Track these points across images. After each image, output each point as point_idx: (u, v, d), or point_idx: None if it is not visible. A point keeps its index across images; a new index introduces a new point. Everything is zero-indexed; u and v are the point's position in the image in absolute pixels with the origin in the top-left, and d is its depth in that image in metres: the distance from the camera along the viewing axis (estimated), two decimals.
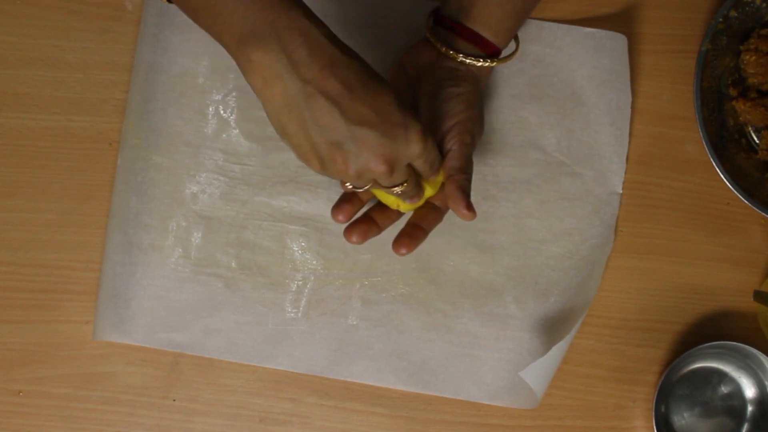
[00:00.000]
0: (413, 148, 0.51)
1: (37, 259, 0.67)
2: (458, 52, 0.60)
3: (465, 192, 0.57)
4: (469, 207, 0.56)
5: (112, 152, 0.68)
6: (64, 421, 0.66)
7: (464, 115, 0.59)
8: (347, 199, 0.59)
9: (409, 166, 0.53)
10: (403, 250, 0.58)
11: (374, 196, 0.60)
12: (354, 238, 0.58)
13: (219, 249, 0.67)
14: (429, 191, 0.59)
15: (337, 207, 0.58)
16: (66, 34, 0.68)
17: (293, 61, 0.47)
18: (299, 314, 0.67)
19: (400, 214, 0.61)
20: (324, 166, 0.50)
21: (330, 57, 0.48)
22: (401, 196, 0.56)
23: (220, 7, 0.47)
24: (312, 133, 0.49)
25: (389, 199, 0.58)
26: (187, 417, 0.67)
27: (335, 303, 0.67)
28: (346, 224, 0.58)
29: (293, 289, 0.67)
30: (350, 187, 0.54)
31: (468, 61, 0.60)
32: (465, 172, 0.58)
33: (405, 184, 0.54)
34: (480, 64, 0.60)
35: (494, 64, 0.61)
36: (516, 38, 0.64)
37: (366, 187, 0.53)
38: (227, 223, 0.67)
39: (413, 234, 0.59)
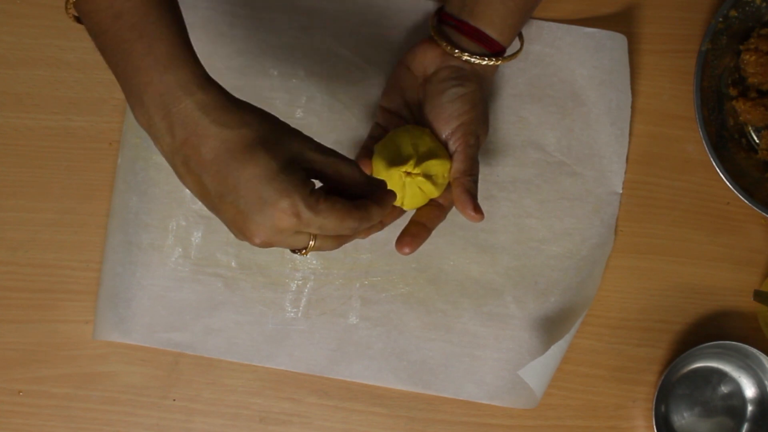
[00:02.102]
0: (284, 223, 0.46)
1: (37, 259, 0.67)
2: (463, 50, 0.60)
3: (471, 194, 0.57)
4: (477, 209, 0.57)
5: (112, 152, 0.68)
6: (64, 421, 0.66)
7: (468, 116, 0.59)
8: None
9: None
10: (407, 249, 0.58)
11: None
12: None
13: (219, 248, 0.67)
14: (434, 192, 0.59)
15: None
16: (66, 34, 0.68)
17: (171, 132, 0.46)
18: (299, 314, 0.67)
19: (402, 211, 0.61)
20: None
21: (198, 125, 0.46)
22: (330, 249, 0.52)
23: (117, 58, 0.47)
24: (197, 198, 0.48)
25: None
26: (187, 417, 0.67)
27: (335, 302, 0.67)
28: None
29: (293, 289, 0.67)
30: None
31: (473, 59, 0.60)
32: (470, 173, 0.58)
33: (313, 244, 0.49)
34: (485, 62, 0.60)
35: (499, 62, 0.61)
36: (520, 36, 0.64)
37: (300, 248, 0.49)
38: None
39: (416, 233, 0.59)
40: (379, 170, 0.59)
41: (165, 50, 0.46)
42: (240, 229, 0.47)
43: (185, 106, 0.46)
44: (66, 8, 0.48)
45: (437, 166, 0.58)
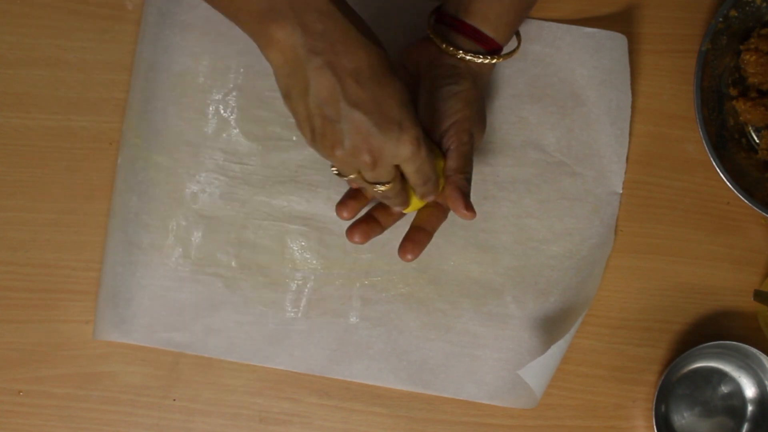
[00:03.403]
0: (402, 150, 0.50)
1: (37, 259, 0.67)
2: (459, 48, 0.60)
3: (463, 192, 0.57)
4: (468, 207, 0.56)
5: (112, 152, 0.68)
6: (64, 421, 0.66)
7: (462, 114, 0.58)
8: (352, 196, 0.59)
9: (398, 169, 0.53)
10: (409, 256, 0.58)
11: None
12: (356, 238, 0.58)
13: (219, 248, 0.67)
14: None
15: (341, 203, 0.58)
16: (66, 34, 0.68)
17: (308, 33, 0.47)
18: (299, 314, 0.67)
19: (401, 214, 0.61)
20: (314, 139, 0.51)
21: (344, 35, 0.48)
22: (382, 197, 0.56)
23: None
24: (311, 104, 0.49)
25: None
26: (187, 417, 0.67)
27: (335, 302, 0.67)
28: (349, 224, 0.58)
29: (293, 289, 0.67)
30: (335, 172, 0.54)
31: (468, 57, 0.60)
32: (463, 171, 0.58)
33: (389, 185, 0.53)
34: (480, 60, 0.60)
35: (494, 60, 0.60)
36: (518, 35, 0.64)
37: (350, 176, 0.53)
38: (227, 222, 0.67)
39: (417, 239, 0.58)
40: None
41: None
42: (357, 140, 0.49)
43: (333, 13, 0.48)
44: None
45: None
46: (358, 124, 0.49)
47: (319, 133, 0.50)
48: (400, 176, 0.54)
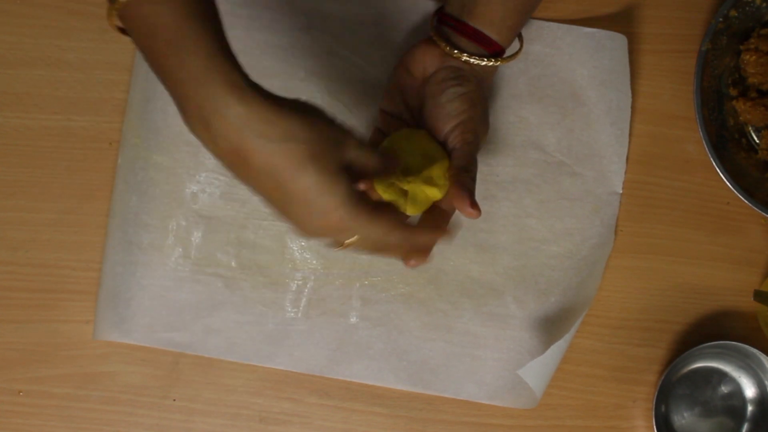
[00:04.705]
0: (331, 232, 0.50)
1: (37, 259, 0.67)
2: (462, 51, 0.60)
3: (469, 190, 0.57)
4: (474, 205, 0.56)
5: (112, 152, 0.68)
6: (64, 421, 0.66)
7: (467, 115, 0.59)
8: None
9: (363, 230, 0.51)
10: (413, 262, 0.57)
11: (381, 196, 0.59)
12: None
13: (219, 248, 0.67)
14: (436, 194, 0.58)
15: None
16: (66, 34, 0.68)
17: (211, 137, 0.46)
18: (299, 314, 0.67)
19: (407, 218, 0.60)
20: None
21: (238, 141, 0.46)
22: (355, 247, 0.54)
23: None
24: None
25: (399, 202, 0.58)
26: (187, 417, 0.67)
27: (335, 302, 0.67)
28: None
29: (293, 289, 0.67)
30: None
31: (472, 60, 0.60)
32: (468, 170, 0.58)
33: (353, 240, 0.51)
34: (484, 63, 0.60)
35: (498, 63, 0.60)
36: (520, 37, 0.64)
37: (347, 242, 0.52)
38: (227, 222, 0.67)
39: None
40: (379, 182, 0.58)
41: (200, 63, 0.45)
42: (288, 224, 0.50)
43: (225, 121, 0.45)
44: (108, 17, 0.47)
45: (436, 170, 0.58)
46: (282, 216, 0.50)
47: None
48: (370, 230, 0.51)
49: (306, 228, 0.50)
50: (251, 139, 0.45)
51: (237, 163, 0.47)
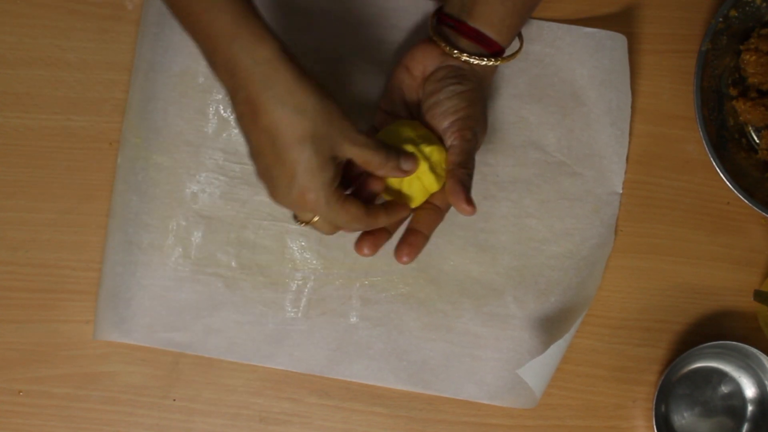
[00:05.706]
0: (302, 208, 0.54)
1: (37, 259, 0.67)
2: (462, 51, 0.60)
3: (465, 186, 0.57)
4: (469, 201, 0.56)
5: (112, 152, 0.68)
6: (64, 421, 0.66)
7: (465, 112, 0.59)
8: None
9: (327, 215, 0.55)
10: (405, 258, 0.57)
11: (382, 197, 0.59)
12: (366, 251, 0.57)
13: (219, 248, 0.67)
14: (434, 184, 0.58)
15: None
16: (66, 33, 0.68)
17: (233, 86, 0.51)
18: (299, 314, 0.67)
19: (406, 216, 0.60)
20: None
21: (255, 96, 0.50)
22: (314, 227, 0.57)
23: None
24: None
25: (400, 193, 0.58)
26: (187, 417, 0.67)
27: (335, 302, 0.67)
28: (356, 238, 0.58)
29: (293, 289, 0.67)
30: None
31: (472, 60, 0.60)
32: (465, 167, 0.58)
33: (316, 220, 0.55)
34: (484, 63, 0.60)
35: (498, 63, 0.60)
36: (520, 36, 0.64)
37: (311, 221, 0.56)
38: (227, 222, 0.67)
39: (414, 241, 0.58)
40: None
41: (230, 19, 0.49)
42: (265, 184, 0.54)
43: (250, 76, 0.49)
44: None
45: (437, 153, 0.58)
46: (261, 172, 0.54)
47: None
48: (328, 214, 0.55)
49: (279, 195, 0.53)
50: (267, 98, 0.49)
51: (246, 114, 0.51)
